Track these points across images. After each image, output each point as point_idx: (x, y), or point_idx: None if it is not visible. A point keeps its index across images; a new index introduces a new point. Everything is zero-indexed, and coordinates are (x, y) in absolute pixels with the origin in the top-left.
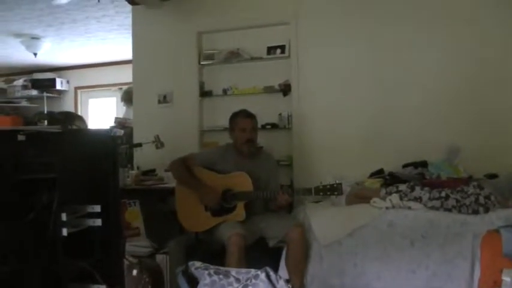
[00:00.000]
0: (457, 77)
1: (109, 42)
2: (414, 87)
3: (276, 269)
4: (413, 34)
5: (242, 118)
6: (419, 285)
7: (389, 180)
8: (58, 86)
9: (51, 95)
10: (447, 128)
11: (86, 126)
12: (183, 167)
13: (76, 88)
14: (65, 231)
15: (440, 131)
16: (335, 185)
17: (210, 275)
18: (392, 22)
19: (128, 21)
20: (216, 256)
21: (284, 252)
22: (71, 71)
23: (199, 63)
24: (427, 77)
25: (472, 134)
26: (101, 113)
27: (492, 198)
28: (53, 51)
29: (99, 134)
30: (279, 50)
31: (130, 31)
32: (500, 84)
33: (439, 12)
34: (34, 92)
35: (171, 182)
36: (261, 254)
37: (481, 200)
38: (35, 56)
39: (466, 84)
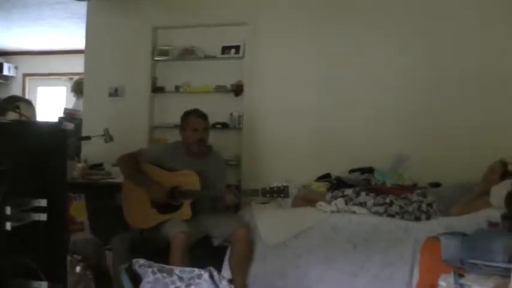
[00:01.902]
0: (409, 88)
1: (62, 30)
2: (367, 95)
3: (219, 268)
4: (370, 42)
5: (194, 118)
6: None
7: (335, 184)
8: (5, 72)
9: None
10: (395, 137)
11: (34, 111)
12: (132, 162)
13: (24, 75)
14: (8, 225)
15: (389, 139)
16: (282, 188)
17: (153, 272)
18: (350, 29)
19: (83, 10)
20: (161, 254)
21: (228, 252)
22: (19, 57)
23: (153, 58)
24: (379, 86)
25: (418, 144)
26: (49, 102)
27: (434, 206)
28: (2, 34)
29: (49, 127)
30: (233, 50)
31: (85, 20)
32: (451, 97)
33: (396, 22)
34: None
35: (118, 177)
36: (205, 253)
37: (424, 207)
38: None
39: (418, 96)
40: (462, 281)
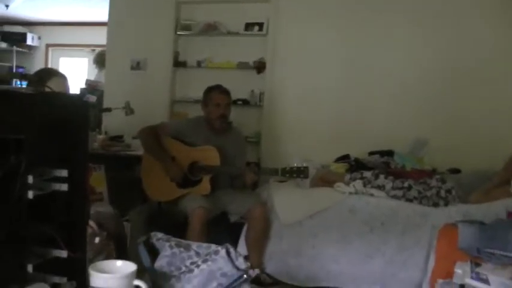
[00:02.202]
0: (432, 73)
1: (85, 1)
2: (389, 78)
3: (235, 245)
4: (392, 25)
5: (217, 93)
6: (375, 271)
7: (354, 166)
8: (29, 41)
9: (21, 49)
10: (417, 121)
11: (66, 83)
12: (152, 135)
13: (48, 45)
14: (30, 194)
15: (410, 123)
16: (302, 168)
17: (171, 247)
18: (375, 10)
19: None
20: (178, 228)
21: (245, 229)
22: (43, 27)
23: (175, 32)
24: (402, 70)
25: (440, 129)
26: (71, 73)
27: (453, 192)
28: (26, 5)
29: (71, 99)
30: (256, 27)
31: None
32: (474, 84)
33: (421, 7)
34: (3, 45)
35: (138, 150)
36: (222, 229)
37: (442, 193)
38: (7, 8)
39: (441, 81)
40: (478, 269)
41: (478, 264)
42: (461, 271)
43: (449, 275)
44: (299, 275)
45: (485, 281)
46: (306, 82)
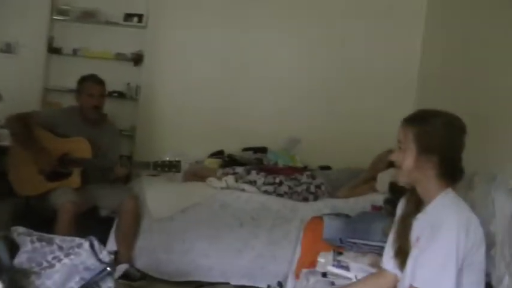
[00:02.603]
0: (307, 73)
1: None
2: (265, 77)
3: (105, 240)
4: (268, 23)
5: (91, 83)
6: (244, 265)
7: (227, 161)
8: None
9: None
10: (291, 119)
11: None
12: (22, 124)
13: None
14: None
15: (284, 121)
16: (174, 163)
17: (32, 241)
18: (256, 7)
19: None
20: (46, 224)
21: (115, 223)
22: None
23: (51, 16)
24: (278, 69)
25: (312, 127)
26: None
27: (322, 188)
28: None
29: None
30: (136, 19)
31: None
32: (347, 85)
33: (298, 4)
34: None
35: (6, 140)
36: (92, 223)
37: (312, 188)
38: None
39: (315, 81)
40: (340, 258)
41: (340, 253)
42: (324, 260)
43: (313, 264)
44: (169, 269)
45: (346, 268)
46: (184, 77)
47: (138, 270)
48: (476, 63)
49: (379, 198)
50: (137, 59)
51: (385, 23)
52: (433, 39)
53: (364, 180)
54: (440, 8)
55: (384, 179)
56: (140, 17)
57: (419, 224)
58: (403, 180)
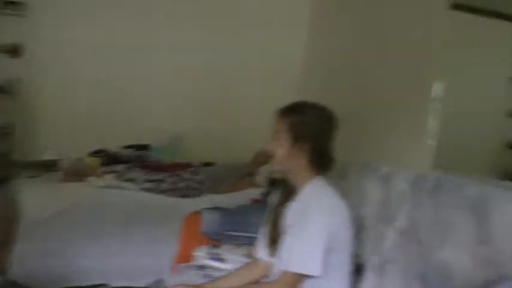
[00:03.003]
0: (189, 68)
1: None
2: (147, 73)
3: None
4: (153, 21)
5: None
6: (125, 265)
7: (108, 159)
8: None
9: None
10: (173, 116)
11: None
12: None
13: None
14: None
15: (166, 118)
16: (52, 161)
17: None
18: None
19: None
20: None
21: None
22: None
23: None
24: (164, 65)
25: (195, 123)
26: None
27: (205, 184)
28: None
29: None
30: (15, 6)
31: None
32: (229, 81)
33: (186, 5)
34: None
35: None
36: None
37: (194, 185)
38: None
39: (199, 77)
40: (216, 250)
41: (217, 246)
42: (201, 253)
43: (191, 259)
44: (47, 276)
45: (222, 260)
46: (67, 70)
47: (12, 281)
48: (355, 61)
49: (258, 192)
50: (16, 51)
51: (268, 16)
52: (317, 39)
53: (246, 175)
54: (325, 6)
55: (264, 173)
56: (20, 4)
57: (291, 212)
58: (276, 169)
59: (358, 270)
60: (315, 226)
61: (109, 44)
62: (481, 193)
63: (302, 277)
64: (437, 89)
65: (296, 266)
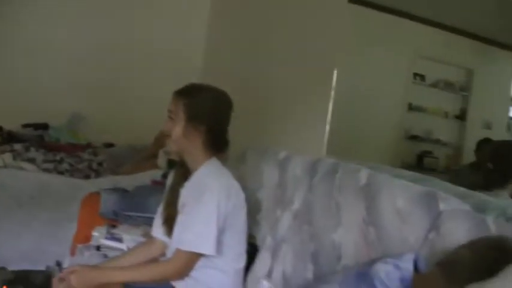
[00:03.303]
0: (92, 47)
1: None
2: (49, 51)
3: None
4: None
5: None
6: (24, 248)
7: (5, 138)
8: None
9: None
10: (73, 95)
11: None
12: None
13: None
14: None
15: (66, 97)
16: None
17: None
18: None
19: None
20: None
21: None
22: None
23: None
24: (63, 42)
25: (96, 104)
26: None
27: (104, 165)
28: None
29: None
30: None
31: None
32: (131, 61)
33: None
34: None
35: None
36: None
37: (94, 165)
38: None
39: (101, 56)
40: (114, 230)
41: (114, 227)
42: (98, 234)
43: (88, 238)
44: None
45: (119, 240)
46: None
47: None
48: (258, 48)
49: (159, 174)
50: None
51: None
52: (218, 25)
53: (147, 157)
54: None
55: (163, 155)
56: None
57: (186, 192)
58: (173, 149)
59: (253, 251)
60: (208, 206)
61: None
62: (371, 178)
63: (196, 256)
64: (336, 78)
65: (190, 245)
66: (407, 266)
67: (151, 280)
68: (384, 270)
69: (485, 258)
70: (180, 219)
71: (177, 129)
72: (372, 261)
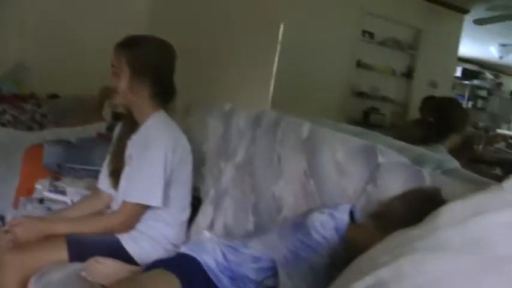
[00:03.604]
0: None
1: None
2: None
3: None
4: None
5: None
6: None
7: None
8: None
9: None
10: (17, 44)
11: None
12: None
13: None
14: None
15: (10, 46)
16: None
17: None
18: None
19: None
20: None
21: None
22: None
23: None
24: None
25: (40, 54)
26: None
27: (48, 116)
28: None
29: None
30: None
31: None
32: (73, 11)
33: None
34: None
35: None
36: None
37: (38, 117)
38: None
39: (41, 7)
40: (57, 183)
41: (58, 179)
42: (41, 186)
43: (31, 191)
44: None
45: (62, 192)
46: None
47: None
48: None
49: (104, 126)
50: None
51: None
52: None
53: (92, 109)
54: None
55: (109, 107)
56: None
57: (133, 144)
58: (119, 102)
59: (196, 203)
60: (155, 158)
61: None
62: (313, 132)
63: (142, 208)
64: (282, 32)
65: (137, 197)
66: (343, 216)
67: (97, 232)
68: (319, 220)
69: (415, 208)
70: (126, 171)
71: (123, 83)
72: (309, 211)
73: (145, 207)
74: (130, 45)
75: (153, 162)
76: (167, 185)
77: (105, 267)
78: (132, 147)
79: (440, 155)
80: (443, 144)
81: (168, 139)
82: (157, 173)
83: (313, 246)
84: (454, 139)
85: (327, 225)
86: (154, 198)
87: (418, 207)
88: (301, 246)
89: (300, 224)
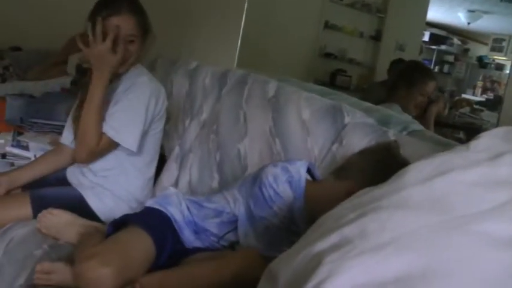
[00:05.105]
0: None
1: None
2: None
3: None
4: None
5: None
6: None
7: None
8: None
9: None
10: None
11: None
12: None
13: None
14: None
15: None
16: None
17: None
18: None
19: None
20: None
21: None
22: None
23: None
24: None
25: (1, 6)
26: None
27: (11, 69)
28: None
29: None
30: None
31: None
32: None
33: None
34: None
35: None
36: None
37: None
38: None
39: None
40: (20, 138)
41: (20, 134)
42: (3, 141)
43: None
44: None
45: (25, 148)
46: None
47: None
48: None
49: (69, 81)
50: None
51: None
52: None
53: (56, 63)
54: None
55: (73, 61)
56: None
57: (114, 92)
58: (123, 71)
59: (160, 160)
60: (139, 102)
61: None
62: (279, 90)
63: (114, 145)
64: None
65: (114, 134)
66: (298, 169)
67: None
68: (272, 173)
69: (373, 157)
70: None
71: (138, 49)
72: (265, 165)
73: (116, 145)
74: (136, 10)
75: (136, 104)
76: (144, 134)
77: (59, 218)
78: (113, 95)
79: (406, 116)
80: (404, 104)
81: (154, 88)
82: (139, 117)
83: (267, 202)
84: (416, 99)
85: (279, 178)
86: (131, 142)
87: (377, 156)
88: (256, 202)
89: (256, 177)
